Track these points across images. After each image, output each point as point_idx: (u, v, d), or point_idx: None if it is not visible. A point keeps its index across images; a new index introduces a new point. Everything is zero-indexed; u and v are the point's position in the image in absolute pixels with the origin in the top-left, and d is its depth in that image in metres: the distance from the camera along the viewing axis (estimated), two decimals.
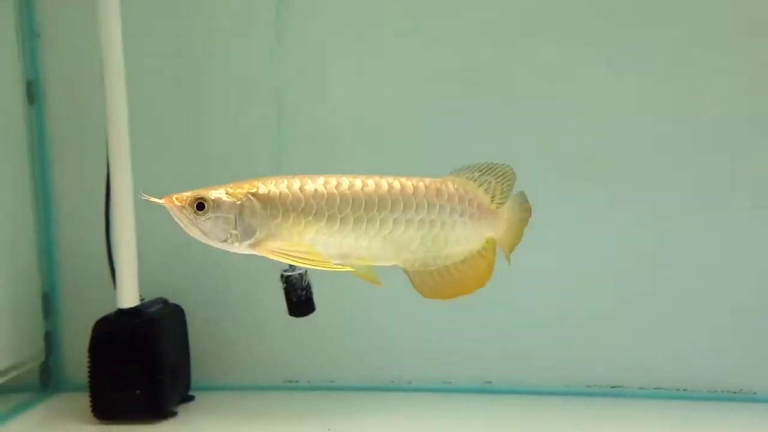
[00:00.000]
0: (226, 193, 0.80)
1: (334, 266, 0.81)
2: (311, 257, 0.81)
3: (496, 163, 0.87)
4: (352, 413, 1.31)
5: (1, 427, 1.26)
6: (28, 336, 1.37)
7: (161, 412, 1.26)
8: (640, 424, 1.27)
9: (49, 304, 1.41)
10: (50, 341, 1.41)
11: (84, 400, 1.31)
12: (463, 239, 0.85)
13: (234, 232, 0.80)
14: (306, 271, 1.23)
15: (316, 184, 0.81)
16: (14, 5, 1.32)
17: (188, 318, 1.36)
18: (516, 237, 0.90)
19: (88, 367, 1.25)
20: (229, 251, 0.85)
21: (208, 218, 0.80)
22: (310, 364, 1.41)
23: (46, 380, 1.40)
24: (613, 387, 1.36)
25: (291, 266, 1.21)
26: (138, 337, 1.25)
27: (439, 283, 0.86)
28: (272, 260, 1.27)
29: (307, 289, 1.21)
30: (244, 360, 1.42)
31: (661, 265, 1.34)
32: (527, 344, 1.37)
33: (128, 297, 1.26)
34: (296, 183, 0.81)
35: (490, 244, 0.88)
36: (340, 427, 1.24)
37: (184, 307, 1.36)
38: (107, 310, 1.30)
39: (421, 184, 0.83)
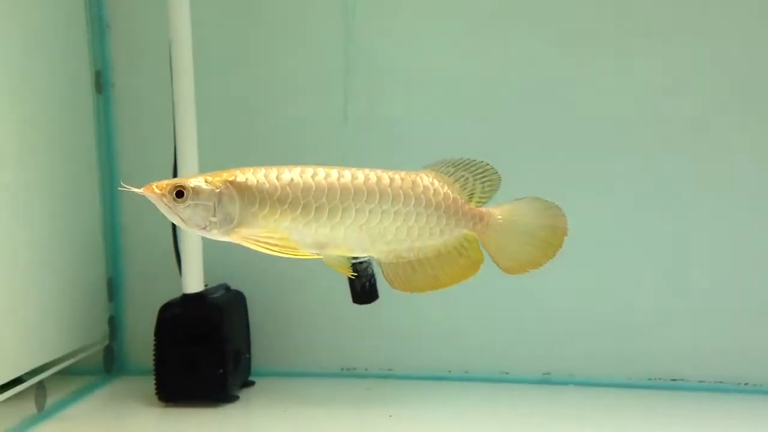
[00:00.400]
0: (205, 182, 0.82)
1: (306, 254, 0.82)
2: (284, 245, 0.82)
3: (475, 160, 0.86)
4: (410, 401, 1.32)
5: (67, 408, 1.29)
6: (93, 320, 1.40)
7: (224, 396, 1.28)
8: (701, 417, 1.25)
9: (113, 288, 1.45)
10: (114, 325, 1.45)
11: (146, 383, 1.34)
12: (436, 232, 0.84)
13: (213, 219, 0.81)
14: (370, 260, 1.24)
15: (292, 173, 0.82)
16: None
17: (249, 304, 1.39)
18: (516, 246, 0.87)
19: (154, 350, 1.28)
20: None
21: (188, 206, 0.81)
22: (368, 353, 1.42)
23: (109, 363, 1.44)
24: (673, 380, 1.35)
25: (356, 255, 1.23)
26: (203, 322, 1.27)
27: (411, 275, 0.86)
28: None
29: (372, 277, 1.22)
30: (302, 347, 1.44)
31: (721, 260, 1.32)
32: (587, 336, 1.36)
33: (193, 282, 1.28)
34: (273, 172, 0.83)
35: (472, 242, 0.86)
36: (400, 415, 1.26)
37: (244, 293, 1.38)
38: (169, 295, 1.32)
39: (396, 177, 0.84)
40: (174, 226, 1.31)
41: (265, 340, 1.41)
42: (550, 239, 0.86)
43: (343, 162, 1.29)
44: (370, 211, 0.82)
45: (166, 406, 1.28)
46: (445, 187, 0.84)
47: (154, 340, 1.28)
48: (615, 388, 1.36)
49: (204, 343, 1.26)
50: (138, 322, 1.44)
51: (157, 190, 0.80)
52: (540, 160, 1.34)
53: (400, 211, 0.83)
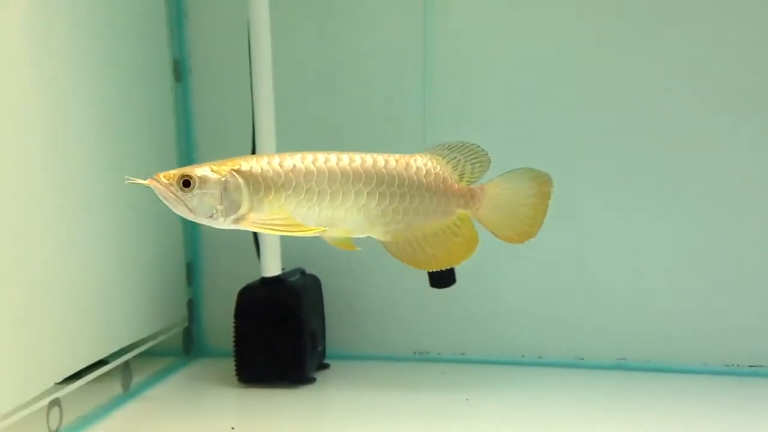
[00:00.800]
0: (211, 171, 0.84)
1: (310, 229, 0.84)
2: (288, 225, 0.84)
3: (469, 143, 0.87)
4: (485, 386, 1.32)
5: (151, 389, 1.32)
6: (173, 303, 1.43)
7: (302, 377, 1.30)
8: None
9: (191, 273, 1.48)
10: (192, 308, 1.48)
11: (223, 364, 1.38)
12: (430, 212, 0.86)
13: (219, 207, 0.83)
14: None
15: (294, 160, 0.84)
16: None
17: (323, 289, 1.41)
18: (510, 217, 0.88)
19: (234, 332, 1.31)
20: None
21: (195, 195, 0.83)
22: (441, 337, 1.43)
23: (188, 345, 1.47)
24: (751, 366, 1.33)
25: None
26: (282, 305, 1.29)
27: (412, 254, 0.88)
28: None
29: None
30: (374, 330, 1.45)
31: None
32: (662, 321, 1.35)
33: (271, 266, 1.31)
34: (276, 159, 0.84)
35: (465, 221, 0.87)
36: (477, 399, 1.26)
37: (319, 277, 1.41)
38: (245, 279, 1.35)
39: (391, 159, 0.86)
40: None
41: (338, 323, 1.43)
42: (537, 205, 0.88)
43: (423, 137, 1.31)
44: (367, 194, 0.84)
45: (245, 387, 1.31)
46: (438, 168, 0.86)
47: (234, 322, 1.30)
48: (691, 374, 1.34)
49: (282, 326, 1.29)
50: (215, 305, 1.47)
51: (164, 180, 0.82)
52: (626, 147, 1.34)
53: (394, 193, 0.85)
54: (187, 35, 1.43)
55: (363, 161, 0.85)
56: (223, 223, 0.84)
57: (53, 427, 1.09)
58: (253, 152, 1.31)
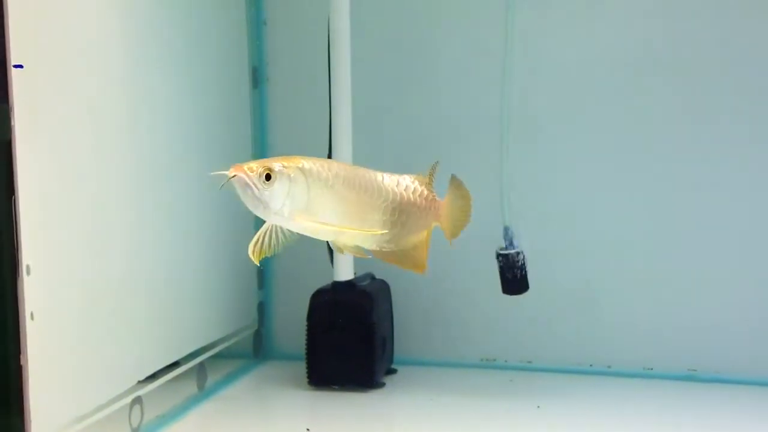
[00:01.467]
0: (283, 166, 0.86)
1: (360, 230, 0.88)
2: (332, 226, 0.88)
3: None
4: (554, 394, 1.32)
5: (224, 389, 1.35)
6: (245, 306, 1.46)
7: (372, 382, 1.32)
8: None
9: (263, 276, 1.51)
10: (263, 311, 1.51)
11: (292, 367, 1.40)
12: (418, 226, 0.92)
13: (287, 202, 0.85)
14: (522, 250, 1.26)
15: (331, 166, 0.89)
16: None
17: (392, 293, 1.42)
18: (456, 222, 0.97)
19: (307, 335, 1.33)
20: None
21: (272, 189, 0.85)
22: (508, 344, 1.43)
23: (257, 348, 1.49)
24: None
25: (508, 245, 1.25)
26: (354, 309, 1.31)
27: (395, 260, 0.93)
28: (477, 241, 1.33)
29: (523, 267, 1.24)
30: (441, 336, 1.46)
31: None
32: (734, 332, 1.34)
33: (344, 271, 1.33)
34: (321, 163, 0.88)
35: (428, 230, 0.95)
36: (548, 406, 1.26)
37: (388, 282, 1.42)
38: (315, 283, 1.36)
39: (386, 176, 0.91)
40: None
41: (406, 328, 1.44)
42: (466, 209, 0.98)
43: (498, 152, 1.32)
44: (374, 207, 0.90)
45: (316, 390, 1.33)
46: (419, 185, 0.93)
47: (306, 325, 1.32)
48: (762, 386, 1.33)
49: (354, 330, 1.30)
50: (284, 309, 1.50)
51: (249, 172, 0.84)
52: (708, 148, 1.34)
53: (395, 208, 0.90)
54: (266, 42, 1.46)
55: (371, 175, 0.91)
56: (282, 220, 0.87)
57: (134, 424, 1.12)
58: (329, 157, 1.33)
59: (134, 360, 1.13)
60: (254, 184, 0.84)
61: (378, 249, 0.91)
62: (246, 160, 1.43)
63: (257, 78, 1.46)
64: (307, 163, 0.87)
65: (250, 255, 0.90)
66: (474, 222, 1.43)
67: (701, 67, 1.33)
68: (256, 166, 0.85)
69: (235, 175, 0.84)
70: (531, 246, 1.32)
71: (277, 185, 0.85)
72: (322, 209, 0.87)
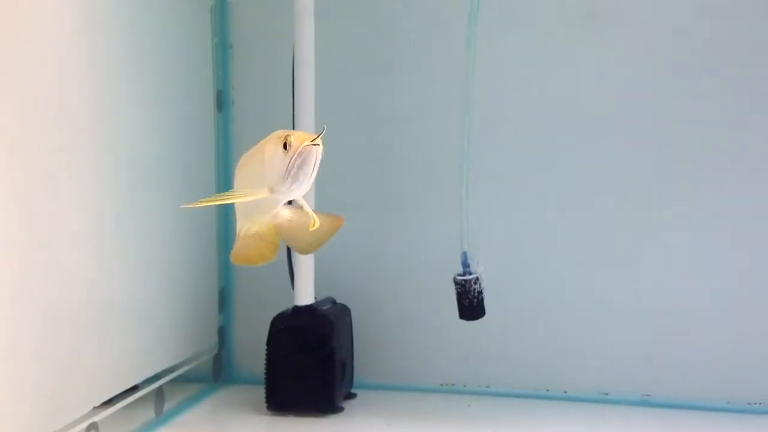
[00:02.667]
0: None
1: None
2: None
3: None
4: (511, 420, 1.33)
5: (182, 415, 1.34)
6: (205, 330, 1.45)
7: (331, 407, 1.32)
8: None
9: (224, 299, 1.50)
10: (223, 335, 1.50)
11: (252, 392, 1.39)
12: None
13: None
14: (479, 276, 1.27)
15: None
16: (212, 18, 1.41)
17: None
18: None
19: (265, 360, 1.32)
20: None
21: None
22: (467, 369, 1.44)
23: (217, 372, 1.48)
24: None
25: (465, 271, 1.27)
26: (314, 334, 1.31)
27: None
28: (437, 266, 1.36)
29: (480, 293, 1.26)
30: (401, 361, 1.46)
31: None
32: (689, 358, 1.37)
33: (304, 296, 1.33)
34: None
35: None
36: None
37: (348, 305, 1.42)
38: (276, 307, 1.36)
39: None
40: None
41: (365, 353, 1.44)
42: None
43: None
44: None
45: (274, 415, 1.32)
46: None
47: (266, 350, 1.32)
48: (714, 411, 1.35)
49: (313, 355, 1.30)
50: (245, 333, 1.49)
51: (318, 143, 0.84)
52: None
53: None
54: (231, 66, 1.46)
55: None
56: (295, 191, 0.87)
57: None
58: None
59: (90, 385, 1.11)
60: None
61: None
62: (209, 183, 1.47)
63: (222, 101, 1.47)
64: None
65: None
66: (434, 247, 1.48)
67: (667, 104, 1.36)
68: (313, 136, 0.85)
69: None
70: (489, 271, 1.32)
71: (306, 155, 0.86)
72: None
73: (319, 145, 0.85)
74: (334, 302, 1.40)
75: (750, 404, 1.35)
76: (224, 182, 1.47)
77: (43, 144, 1.01)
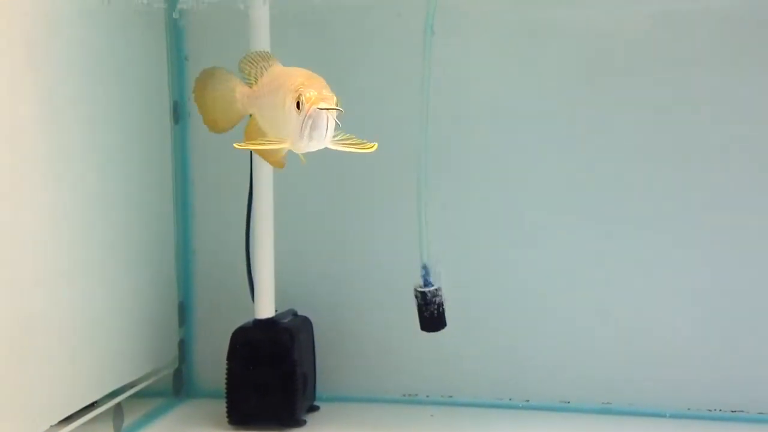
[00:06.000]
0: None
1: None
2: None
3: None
4: (471, 429, 1.34)
5: (141, 430, 1.32)
6: (165, 343, 1.43)
7: (293, 420, 1.30)
8: None
9: (184, 313, 1.48)
10: (183, 349, 1.48)
11: (213, 405, 1.38)
12: None
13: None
14: (440, 288, 1.27)
15: None
16: (167, 30, 1.40)
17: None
18: None
19: (226, 374, 1.31)
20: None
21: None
22: (429, 379, 1.44)
23: (178, 386, 1.47)
24: (733, 411, 1.36)
25: (425, 283, 1.27)
26: (275, 347, 1.30)
27: None
28: (398, 276, 1.35)
29: (440, 305, 1.26)
30: (363, 372, 1.46)
31: None
32: (647, 366, 1.38)
33: (265, 309, 1.32)
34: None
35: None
36: None
37: (310, 318, 1.41)
38: (237, 320, 1.35)
39: None
40: (248, 253, 1.36)
41: (327, 364, 1.43)
42: None
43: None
44: None
45: (236, 429, 1.31)
46: None
47: (227, 364, 1.30)
48: (675, 418, 1.37)
49: (275, 368, 1.29)
50: (206, 346, 1.47)
51: (333, 105, 0.87)
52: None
53: None
54: (187, 77, 1.44)
55: None
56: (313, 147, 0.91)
57: None
58: (251, 194, 1.33)
59: (47, 402, 1.10)
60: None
61: None
62: (165, 192, 1.45)
63: (178, 113, 1.45)
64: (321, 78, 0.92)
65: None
66: (395, 258, 1.48)
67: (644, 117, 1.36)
68: (329, 94, 0.88)
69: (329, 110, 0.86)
70: (451, 280, 1.33)
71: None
72: None
73: (330, 109, 0.86)
74: (295, 314, 1.39)
75: (709, 411, 1.36)
76: (182, 193, 1.47)
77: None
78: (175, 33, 1.44)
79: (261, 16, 1.27)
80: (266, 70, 0.98)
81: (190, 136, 1.46)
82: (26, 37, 1.05)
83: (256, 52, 1.03)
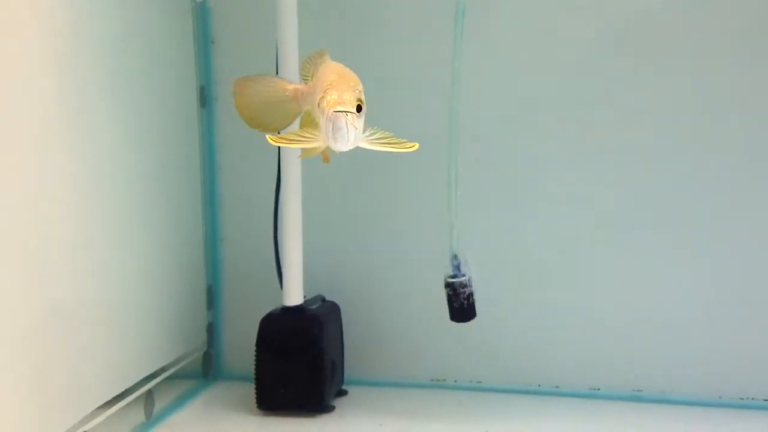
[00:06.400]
0: (360, 90, 0.87)
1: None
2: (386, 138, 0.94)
3: None
4: (503, 416, 1.33)
5: (172, 414, 1.33)
6: (194, 327, 1.44)
7: (321, 405, 1.31)
8: None
9: (212, 296, 1.49)
10: (212, 332, 1.49)
11: (242, 388, 1.39)
12: None
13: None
14: (470, 278, 1.26)
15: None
16: (193, 14, 1.38)
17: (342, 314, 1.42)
18: None
19: (255, 361, 1.31)
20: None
21: (361, 119, 0.86)
22: (458, 364, 1.44)
23: (207, 369, 1.48)
24: (766, 400, 1.34)
25: (455, 273, 1.26)
26: (303, 334, 1.30)
27: None
28: (427, 260, 1.34)
29: (470, 295, 1.25)
30: (391, 356, 1.46)
31: None
32: (680, 353, 1.36)
33: (293, 296, 1.32)
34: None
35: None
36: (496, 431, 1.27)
37: (339, 303, 1.41)
38: (265, 303, 1.35)
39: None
40: (276, 240, 1.36)
41: (356, 349, 1.43)
42: None
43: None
44: None
45: (265, 414, 1.32)
46: None
47: (255, 351, 1.31)
48: (706, 406, 1.35)
49: (304, 355, 1.29)
50: (234, 329, 1.48)
51: (350, 108, 0.85)
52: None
53: None
54: (214, 61, 1.43)
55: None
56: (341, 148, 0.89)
57: None
58: (278, 181, 1.33)
59: (80, 392, 1.10)
60: (355, 122, 0.85)
61: None
62: (193, 177, 1.44)
63: (205, 97, 1.44)
64: (355, 78, 0.90)
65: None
66: (424, 242, 1.46)
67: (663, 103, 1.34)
68: (351, 97, 0.85)
69: (347, 112, 0.84)
70: (480, 265, 1.32)
71: (362, 115, 0.87)
72: None
73: (347, 112, 0.84)
74: (323, 300, 1.39)
75: (741, 399, 1.35)
76: (209, 179, 1.46)
77: (28, 145, 0.99)
78: (202, 16, 1.42)
79: None
80: (319, 66, 0.97)
81: (216, 121, 1.45)
82: (53, 27, 1.04)
83: (314, 51, 1.02)
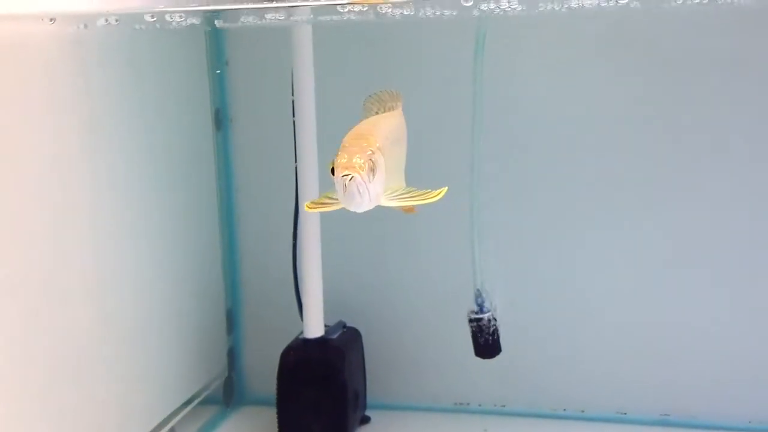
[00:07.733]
0: (372, 152, 0.81)
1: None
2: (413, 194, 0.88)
3: None
4: None
5: None
6: (215, 354, 1.42)
7: None
8: None
9: (232, 320, 1.46)
10: (232, 357, 1.47)
11: (264, 413, 1.37)
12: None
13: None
14: (493, 314, 1.23)
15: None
16: (207, 35, 1.33)
17: (363, 337, 1.39)
18: None
19: (276, 392, 1.29)
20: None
21: (375, 181, 0.82)
22: (481, 388, 1.42)
23: (228, 395, 1.45)
24: None
25: (480, 309, 1.23)
26: (325, 366, 1.27)
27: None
28: (449, 283, 1.31)
29: (495, 331, 1.22)
30: (414, 380, 1.44)
31: None
32: (709, 377, 1.34)
33: (314, 328, 1.29)
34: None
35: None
36: None
37: (359, 328, 1.38)
38: (286, 326, 1.33)
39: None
40: (295, 271, 1.33)
41: (378, 373, 1.41)
42: None
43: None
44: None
45: None
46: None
47: (276, 383, 1.28)
48: (734, 431, 1.33)
49: (326, 388, 1.27)
50: (255, 353, 1.46)
51: (360, 171, 0.80)
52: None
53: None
54: (228, 83, 1.39)
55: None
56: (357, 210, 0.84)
57: None
58: (297, 199, 1.29)
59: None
60: (367, 184, 0.80)
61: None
62: (210, 199, 1.41)
63: (220, 119, 1.40)
64: (373, 137, 0.84)
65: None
66: (446, 264, 1.43)
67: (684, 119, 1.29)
68: (359, 160, 0.80)
69: (352, 177, 0.80)
70: (504, 290, 1.28)
71: (379, 175, 0.82)
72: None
73: (353, 176, 0.79)
74: (344, 326, 1.36)
75: None
76: (226, 201, 1.43)
77: (45, 172, 0.99)
78: (216, 38, 1.37)
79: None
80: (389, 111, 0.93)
81: (232, 143, 1.41)
82: (77, 58, 1.02)
83: (386, 92, 0.97)
